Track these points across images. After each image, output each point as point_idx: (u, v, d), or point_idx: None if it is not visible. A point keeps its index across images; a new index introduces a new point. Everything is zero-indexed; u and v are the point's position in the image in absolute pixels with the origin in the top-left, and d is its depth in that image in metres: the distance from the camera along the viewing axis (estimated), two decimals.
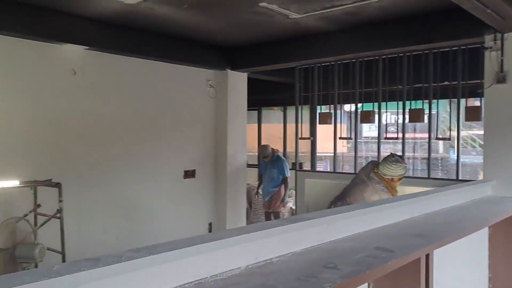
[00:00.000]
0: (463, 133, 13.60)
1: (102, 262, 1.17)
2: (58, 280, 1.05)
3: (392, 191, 3.82)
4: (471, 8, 3.01)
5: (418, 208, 2.75)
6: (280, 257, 1.72)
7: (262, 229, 1.70)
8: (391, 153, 4.04)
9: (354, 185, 3.99)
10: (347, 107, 5.97)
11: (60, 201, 4.03)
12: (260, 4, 4.20)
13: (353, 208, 2.25)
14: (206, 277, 1.44)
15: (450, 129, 4.80)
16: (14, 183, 3.79)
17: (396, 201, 2.62)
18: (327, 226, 2.00)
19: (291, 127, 7.36)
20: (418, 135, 8.63)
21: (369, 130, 7.76)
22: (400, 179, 3.85)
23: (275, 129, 10.49)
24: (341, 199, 3.95)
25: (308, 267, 1.60)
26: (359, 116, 5.57)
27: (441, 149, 13.73)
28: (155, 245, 1.36)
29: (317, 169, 6.98)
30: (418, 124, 5.70)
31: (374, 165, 4.02)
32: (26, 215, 3.98)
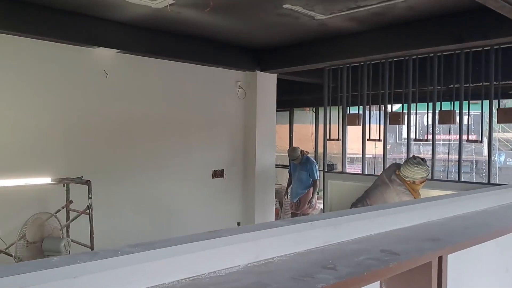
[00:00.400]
0: (510, 135, 13.08)
1: (98, 256, 1.23)
2: (55, 271, 1.12)
3: (414, 193, 3.74)
4: (498, 7, 2.92)
5: (437, 211, 2.68)
6: (281, 257, 1.73)
7: (265, 229, 1.72)
8: (413, 155, 3.94)
9: (375, 187, 3.94)
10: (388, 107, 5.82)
11: (90, 198, 4.21)
12: (283, 6, 4.23)
13: (363, 210, 2.24)
14: (204, 274, 1.48)
15: (481, 131, 4.64)
16: (46, 180, 3.99)
17: (412, 204, 2.58)
18: (334, 228, 1.99)
19: (322, 127, 7.35)
20: (456, 136, 8.39)
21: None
22: (422, 182, 3.76)
23: (307, 129, 10.47)
24: (361, 201, 3.91)
25: (307, 267, 1.61)
26: (388, 118, 5.48)
27: (485, 152, 13.25)
28: (153, 241, 1.42)
29: (352, 171, 6.94)
30: (455, 126, 5.50)
31: (396, 167, 3.95)
32: (58, 210, 4.18)
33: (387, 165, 5.45)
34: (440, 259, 2.01)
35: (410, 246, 1.97)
